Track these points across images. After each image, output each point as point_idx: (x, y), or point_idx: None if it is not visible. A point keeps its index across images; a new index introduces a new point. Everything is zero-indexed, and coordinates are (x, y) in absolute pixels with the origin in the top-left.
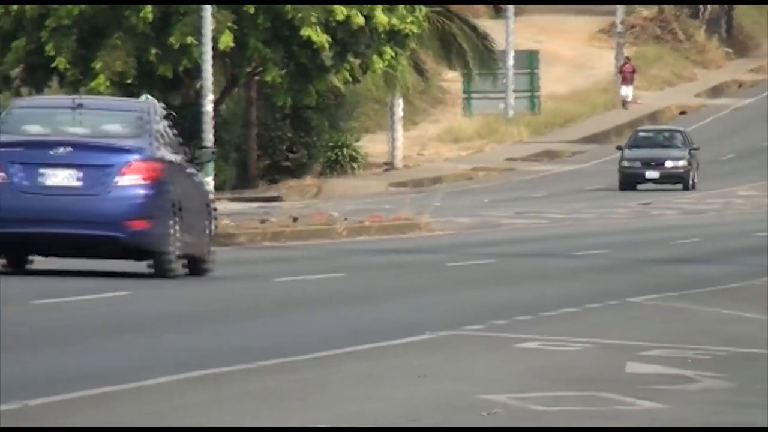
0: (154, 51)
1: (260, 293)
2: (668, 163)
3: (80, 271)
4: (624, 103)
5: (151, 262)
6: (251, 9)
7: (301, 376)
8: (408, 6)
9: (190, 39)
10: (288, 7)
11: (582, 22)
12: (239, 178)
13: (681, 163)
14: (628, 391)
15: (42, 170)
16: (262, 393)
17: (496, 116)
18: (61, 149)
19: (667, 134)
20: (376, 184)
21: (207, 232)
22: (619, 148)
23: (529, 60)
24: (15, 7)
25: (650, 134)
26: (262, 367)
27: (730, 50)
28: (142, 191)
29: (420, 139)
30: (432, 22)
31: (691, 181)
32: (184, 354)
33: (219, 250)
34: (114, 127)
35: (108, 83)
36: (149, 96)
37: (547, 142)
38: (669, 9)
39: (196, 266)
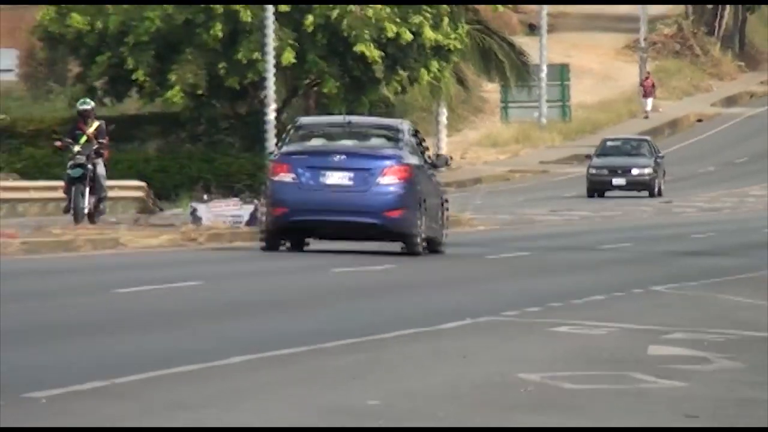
0: (222, 65)
1: (317, 281)
2: (634, 171)
3: (339, 250)
4: (646, 114)
5: (402, 243)
6: (310, 27)
7: (360, 357)
8: (451, 23)
9: (255, 55)
10: (344, 24)
11: (609, 39)
12: None
13: (647, 170)
14: (650, 371)
15: (323, 172)
16: (326, 371)
17: (530, 123)
18: (337, 157)
19: (634, 143)
20: None
21: (441, 221)
22: (587, 156)
23: (561, 73)
24: (99, 24)
25: (618, 143)
26: (328, 348)
27: (742, 64)
28: (396, 188)
29: (462, 144)
30: (473, 38)
31: (656, 188)
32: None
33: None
34: (376, 140)
35: (181, 94)
36: (88, 100)
37: (577, 146)
38: (687, 26)
39: (433, 247)
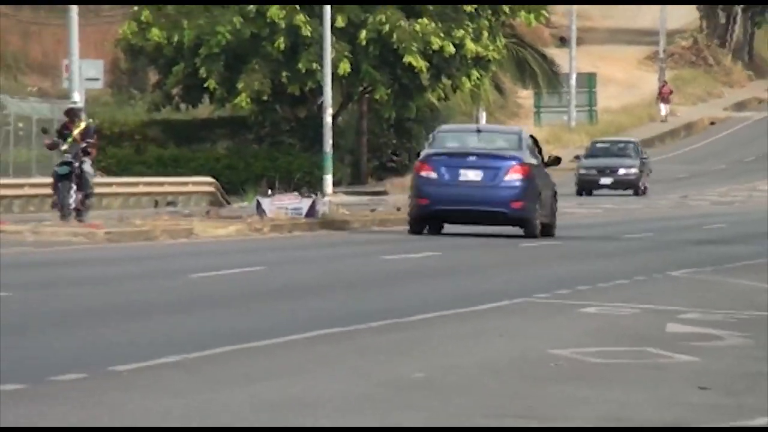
0: (285, 74)
1: (368, 267)
2: (621, 171)
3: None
4: (663, 119)
5: (523, 228)
6: (364, 41)
7: (407, 335)
8: (490, 36)
9: (314, 65)
10: (394, 38)
11: (632, 51)
12: (353, 176)
13: (632, 170)
14: (668, 347)
15: (459, 170)
16: (375, 347)
17: (560, 126)
18: (471, 158)
19: (621, 145)
20: None
21: (553, 210)
22: (577, 157)
23: (588, 81)
24: (176, 38)
25: (606, 145)
26: (377, 326)
27: (751, 73)
28: (519, 183)
29: None
30: (509, 50)
31: (641, 187)
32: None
33: (334, 234)
34: (501, 144)
35: (248, 100)
36: (77, 102)
37: None
38: (702, 40)
39: (547, 231)
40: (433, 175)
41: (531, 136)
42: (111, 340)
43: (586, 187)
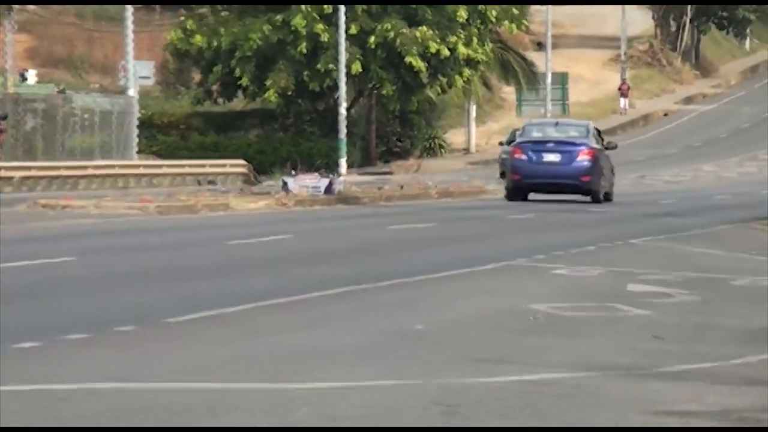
0: (306, 73)
1: (380, 237)
2: None
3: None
4: (622, 111)
5: (590, 196)
6: (373, 45)
7: (410, 293)
8: (479, 42)
9: (331, 66)
10: (398, 43)
11: (598, 54)
12: (363, 159)
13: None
14: (628, 303)
15: (542, 154)
16: (380, 304)
17: (538, 116)
18: (551, 144)
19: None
20: (457, 163)
21: (612, 182)
22: (501, 143)
23: (561, 79)
24: (215, 43)
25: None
26: (382, 286)
27: (698, 72)
28: (587, 163)
29: (486, 133)
30: (495, 53)
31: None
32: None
33: (348, 208)
34: (573, 133)
35: (275, 95)
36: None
37: None
38: (656, 44)
39: (608, 197)
40: (524, 157)
41: (595, 128)
42: (162, 297)
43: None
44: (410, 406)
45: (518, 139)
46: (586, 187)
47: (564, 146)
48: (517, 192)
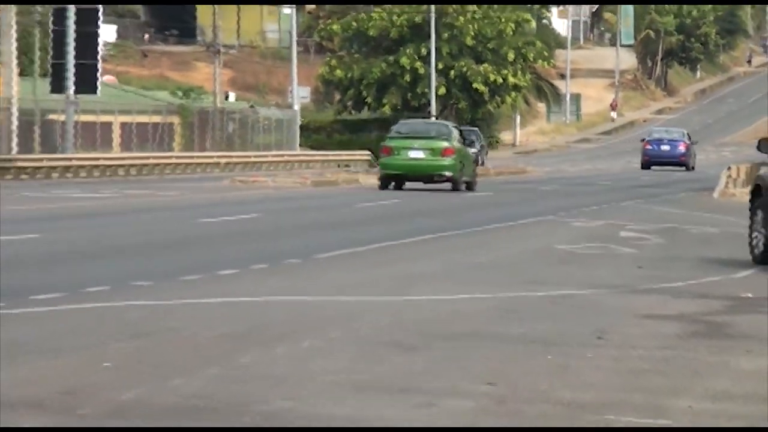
0: (409, 94)
1: (456, 201)
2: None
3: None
4: (612, 119)
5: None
6: (453, 76)
7: (476, 238)
8: (521, 73)
9: (425, 89)
10: (469, 74)
11: (600, 81)
12: None
13: (473, 151)
14: (620, 244)
15: (660, 146)
16: (456, 245)
17: (561, 123)
18: (665, 140)
19: (466, 132)
20: (507, 153)
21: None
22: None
23: (576, 98)
24: (350, 75)
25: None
26: (459, 233)
27: (665, 93)
28: (684, 151)
29: (527, 134)
30: (532, 81)
31: (481, 162)
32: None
33: (427, 185)
34: (676, 135)
35: (389, 108)
36: None
37: (584, 135)
38: (639, 75)
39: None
40: (651, 147)
41: (688, 134)
42: (315, 240)
43: None
44: (479, 311)
45: (648, 138)
46: (684, 162)
47: (671, 143)
48: (645, 164)
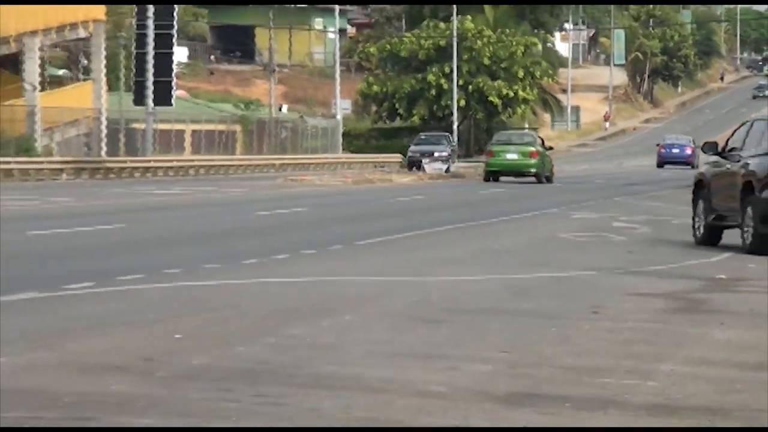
0: (435, 106)
1: (474, 196)
2: (435, 153)
3: None
4: (605, 128)
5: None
6: (471, 90)
7: (491, 228)
8: (530, 88)
9: (448, 102)
10: (485, 88)
11: (596, 95)
12: (466, 153)
13: (444, 153)
14: (613, 232)
15: (672, 149)
16: (474, 234)
17: (563, 130)
18: (675, 144)
19: (436, 137)
20: None
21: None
22: (408, 145)
23: (576, 110)
24: (384, 89)
25: (425, 137)
26: (475, 224)
27: (652, 105)
28: (690, 152)
29: None
30: (539, 95)
31: (450, 165)
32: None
33: (457, 181)
34: (683, 141)
35: (418, 118)
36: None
37: (583, 141)
38: (629, 90)
39: (549, 179)
40: (665, 150)
41: (693, 139)
42: (355, 230)
43: (413, 163)
44: (494, 290)
45: (661, 143)
46: (690, 162)
47: (680, 147)
48: (660, 164)
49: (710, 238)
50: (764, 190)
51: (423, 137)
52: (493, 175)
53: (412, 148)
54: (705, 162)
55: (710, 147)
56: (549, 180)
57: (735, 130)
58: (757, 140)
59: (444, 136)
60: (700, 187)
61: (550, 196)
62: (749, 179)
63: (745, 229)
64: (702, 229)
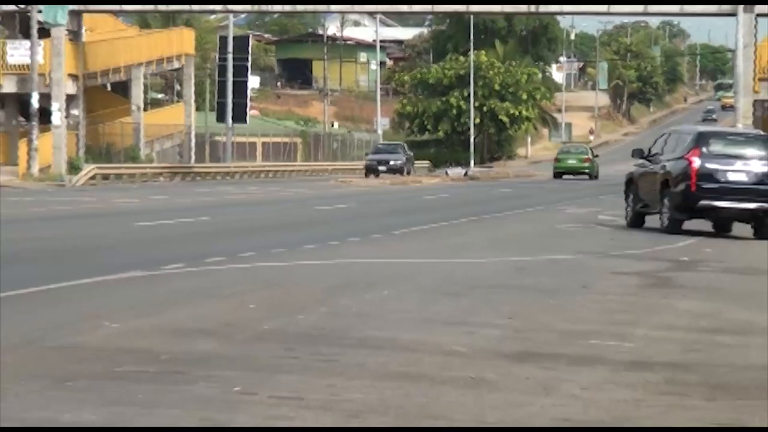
0: (455, 123)
1: (486, 195)
2: (391, 162)
3: None
4: (590, 140)
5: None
6: (485, 109)
7: (497, 221)
8: (531, 108)
9: (467, 121)
10: (496, 108)
11: (585, 113)
12: (480, 161)
13: (399, 162)
14: (599, 223)
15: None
16: (486, 225)
17: (558, 142)
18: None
19: (393, 146)
20: (522, 163)
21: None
22: (366, 154)
23: (568, 126)
24: (416, 109)
25: (383, 146)
26: (487, 217)
27: (629, 122)
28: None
29: (535, 149)
30: (539, 114)
31: (406, 172)
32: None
33: (474, 183)
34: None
35: (443, 132)
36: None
37: None
38: (611, 110)
39: (597, 177)
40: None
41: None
42: (392, 222)
43: (370, 170)
44: (503, 270)
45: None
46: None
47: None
48: None
49: (637, 221)
50: (677, 186)
51: (380, 146)
52: (559, 174)
53: (370, 156)
54: (633, 164)
55: (638, 152)
56: (596, 177)
57: (656, 140)
58: (672, 147)
59: (400, 145)
60: (630, 183)
61: (548, 194)
62: (666, 178)
63: (663, 214)
64: (631, 213)
